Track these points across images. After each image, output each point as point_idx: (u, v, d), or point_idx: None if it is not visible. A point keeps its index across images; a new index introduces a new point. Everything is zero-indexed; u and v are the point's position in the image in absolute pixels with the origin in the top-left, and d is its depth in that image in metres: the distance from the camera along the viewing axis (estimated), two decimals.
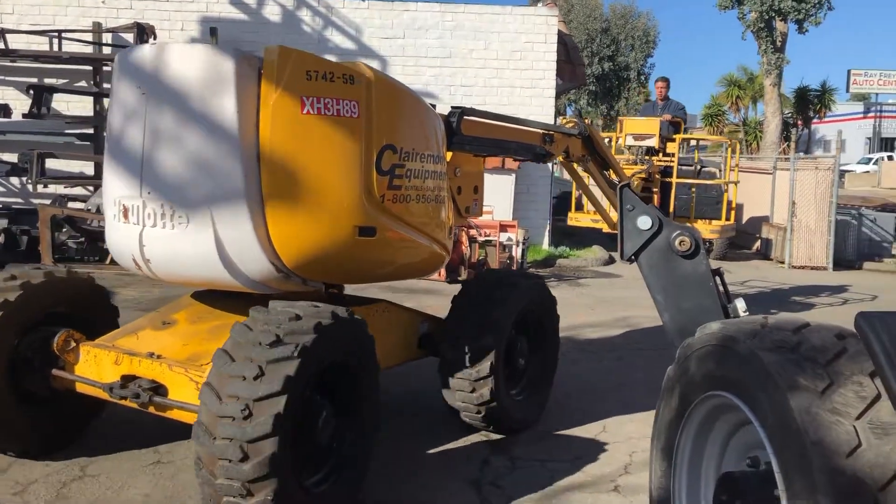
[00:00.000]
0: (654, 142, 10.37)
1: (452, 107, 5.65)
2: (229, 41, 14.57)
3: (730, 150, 11.26)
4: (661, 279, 4.64)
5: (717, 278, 4.98)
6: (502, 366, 5.52)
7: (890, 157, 49.12)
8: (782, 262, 17.43)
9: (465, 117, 5.61)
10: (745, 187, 17.63)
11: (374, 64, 13.70)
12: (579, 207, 13.23)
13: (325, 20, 16.42)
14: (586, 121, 7.25)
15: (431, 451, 5.57)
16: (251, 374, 3.72)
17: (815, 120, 32.58)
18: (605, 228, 9.70)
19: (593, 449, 5.66)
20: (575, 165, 7.43)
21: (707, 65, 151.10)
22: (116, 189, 4.79)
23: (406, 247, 5.07)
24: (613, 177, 7.64)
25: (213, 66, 4.47)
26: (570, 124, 7.05)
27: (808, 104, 31.70)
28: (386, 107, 4.79)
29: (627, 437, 5.88)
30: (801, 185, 17.07)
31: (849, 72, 33.59)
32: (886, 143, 57.73)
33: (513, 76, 16.64)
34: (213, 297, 5.39)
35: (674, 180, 10.18)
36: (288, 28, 16.07)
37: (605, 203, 8.14)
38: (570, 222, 12.91)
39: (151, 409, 4.57)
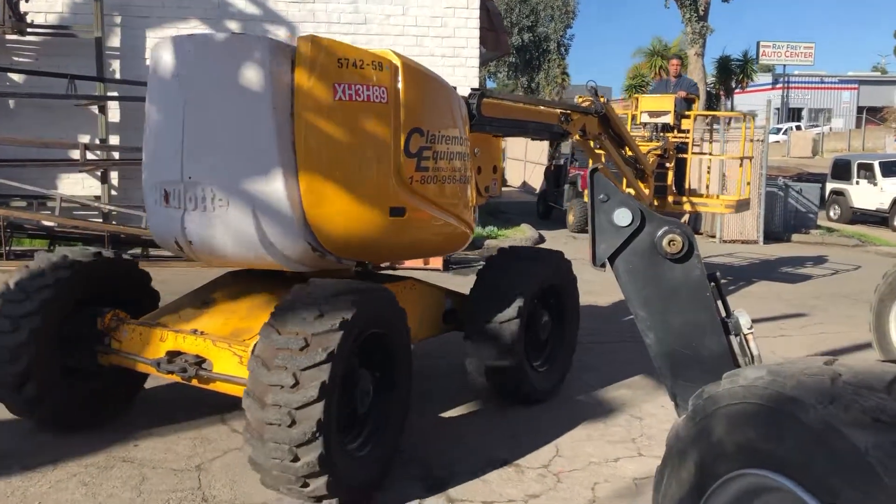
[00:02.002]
0: (669, 118, 10.53)
1: (472, 89, 5.89)
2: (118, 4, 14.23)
3: (744, 124, 11.44)
4: (643, 289, 3.57)
5: (713, 285, 3.86)
6: (524, 338, 5.76)
7: (798, 127, 49.94)
8: (713, 237, 17.53)
9: (485, 99, 5.86)
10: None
11: (281, 30, 14.08)
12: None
13: None
14: (601, 99, 7.47)
15: None
16: (297, 346, 3.98)
17: (737, 90, 32.22)
18: None
19: (547, 482, 4.94)
20: (591, 143, 7.67)
21: (626, 36, 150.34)
22: (157, 174, 5.04)
23: (433, 225, 5.32)
24: (629, 153, 7.89)
25: (249, 55, 4.70)
26: (587, 103, 7.27)
27: (731, 74, 31.15)
28: (413, 92, 5.02)
29: (587, 462, 5.22)
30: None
31: (758, 43, 33.57)
32: (794, 114, 58.86)
33: (434, 44, 15.62)
34: (247, 276, 5.67)
35: (689, 156, 10.36)
36: None
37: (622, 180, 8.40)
38: (585, 199, 13.03)
39: (194, 383, 4.83)
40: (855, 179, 22.66)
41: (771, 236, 17.60)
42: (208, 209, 4.82)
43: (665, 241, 3.50)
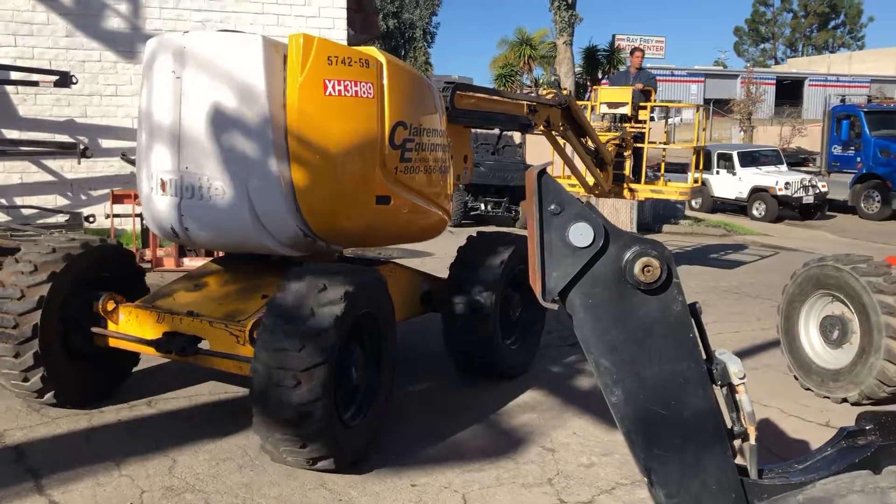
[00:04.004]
0: (627, 109, 10.90)
1: (446, 82, 6.26)
2: None
3: (698, 115, 11.93)
4: (608, 330, 2.73)
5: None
6: (498, 317, 6.13)
7: (651, 119, 50.76)
8: None
9: (458, 92, 6.26)
10: (540, 152, 17.25)
11: (123, 7, 13.28)
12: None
13: None
14: (564, 91, 7.86)
15: None
16: (305, 313, 4.34)
17: (603, 81, 32.42)
18: (582, 192, 10.29)
19: None
20: (553, 133, 8.08)
21: (492, 25, 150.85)
22: (153, 165, 5.33)
23: (416, 213, 5.67)
24: (590, 143, 8.32)
25: (244, 52, 5.03)
26: (551, 95, 7.68)
27: (598, 65, 30.99)
28: (397, 87, 5.36)
29: None
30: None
31: (613, 36, 34.00)
32: None
33: (297, 24, 14.20)
34: (234, 261, 6.00)
35: (646, 146, 10.81)
36: None
37: (581, 168, 8.81)
38: None
39: (191, 360, 5.19)
40: (715, 170, 22.82)
41: (642, 227, 17.38)
42: (204, 198, 5.13)
43: (638, 267, 2.64)
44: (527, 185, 2.77)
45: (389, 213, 5.40)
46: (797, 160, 29.16)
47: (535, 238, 2.67)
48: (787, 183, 20.56)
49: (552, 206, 2.65)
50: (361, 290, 4.68)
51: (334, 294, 4.43)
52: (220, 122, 5.07)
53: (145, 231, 10.33)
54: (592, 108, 11.31)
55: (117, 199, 10.40)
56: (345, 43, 13.72)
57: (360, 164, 5.23)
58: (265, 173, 5.01)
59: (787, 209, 20.95)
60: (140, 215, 9.58)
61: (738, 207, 22.42)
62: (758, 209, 21.23)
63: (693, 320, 2.75)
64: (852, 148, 21.79)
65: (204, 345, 5.22)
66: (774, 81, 55.60)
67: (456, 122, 6.39)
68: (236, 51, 5.08)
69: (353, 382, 4.82)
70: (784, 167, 22.65)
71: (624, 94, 11.03)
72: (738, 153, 22.72)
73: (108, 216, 10.43)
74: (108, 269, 5.68)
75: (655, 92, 12.29)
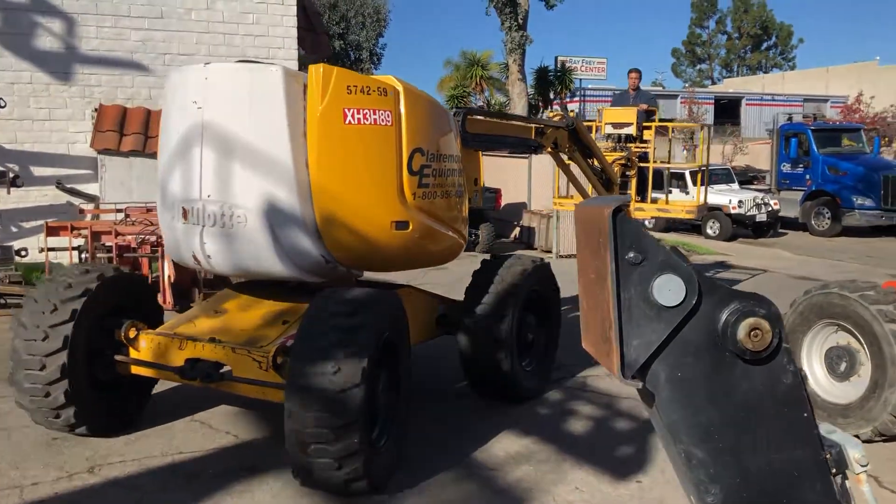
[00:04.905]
0: (632, 129, 11.01)
1: (457, 107, 6.39)
2: None
3: (702, 133, 12.15)
4: (701, 411, 2.21)
5: None
6: (515, 340, 6.24)
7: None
8: (549, 251, 16.50)
9: (469, 116, 6.38)
10: (500, 173, 17.17)
11: (56, 24, 12.49)
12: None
13: None
14: (571, 114, 8.05)
15: None
16: (336, 337, 4.46)
17: (555, 101, 32.60)
18: None
19: None
20: (561, 154, 8.27)
21: (439, 46, 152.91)
22: (175, 194, 5.38)
23: (433, 237, 5.77)
24: (596, 164, 8.50)
25: (264, 82, 5.13)
26: (558, 117, 7.86)
27: (549, 85, 31.17)
28: (414, 114, 5.47)
29: None
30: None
31: (556, 58, 34.57)
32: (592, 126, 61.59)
33: (245, 44, 13.63)
34: (253, 287, 6.06)
35: (650, 165, 10.97)
36: None
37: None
38: (554, 207, 13.50)
39: (213, 386, 5.24)
40: (667, 188, 23.11)
41: None
42: (226, 225, 5.20)
43: (743, 331, 2.11)
44: (582, 223, 2.31)
45: (407, 238, 5.50)
46: (746, 178, 29.74)
47: (611, 295, 2.10)
48: (740, 201, 20.93)
49: (631, 255, 2.11)
50: (387, 315, 4.83)
51: (364, 318, 4.56)
52: (242, 151, 5.16)
53: None
54: (597, 129, 11.45)
55: (52, 231, 9.39)
56: (295, 62, 13.95)
57: (380, 190, 5.34)
58: (286, 201, 5.09)
59: (740, 227, 21.29)
60: (78, 248, 9.41)
61: (691, 226, 22.56)
62: (712, 228, 21.45)
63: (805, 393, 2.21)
64: (801, 165, 22.28)
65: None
66: (713, 101, 56.86)
67: (467, 146, 6.51)
68: (257, 81, 5.18)
69: (378, 405, 4.88)
70: (736, 185, 23.03)
71: (629, 114, 11.18)
72: (691, 172, 23.04)
73: (42, 250, 9.50)
74: (125, 297, 5.73)
75: (658, 111, 12.50)
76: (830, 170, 21.58)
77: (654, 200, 11.56)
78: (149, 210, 9.76)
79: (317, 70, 5.15)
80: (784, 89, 61.04)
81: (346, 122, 5.16)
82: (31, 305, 5.34)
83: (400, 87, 5.43)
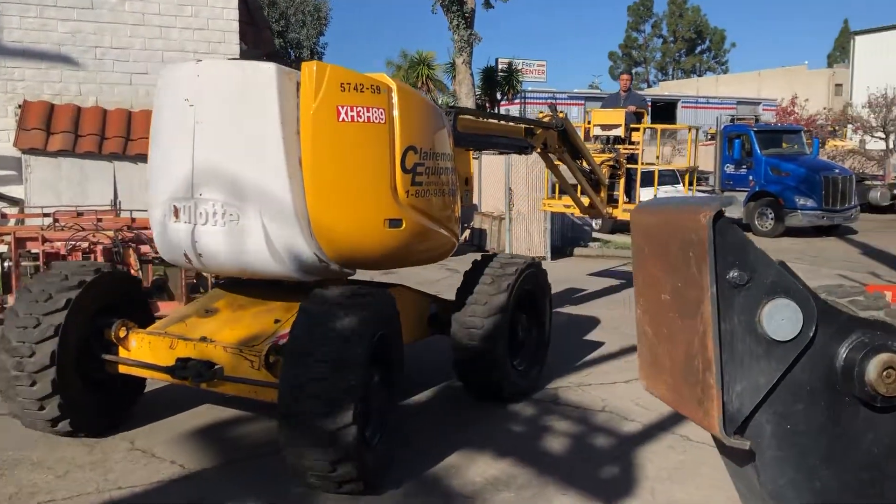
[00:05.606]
0: (620, 131, 11.14)
1: (448, 106, 6.39)
2: None
3: (690, 134, 12.32)
4: (817, 472, 1.70)
5: None
6: (506, 340, 6.27)
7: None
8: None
9: (460, 116, 6.40)
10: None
11: None
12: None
13: None
14: (560, 115, 8.10)
15: None
16: (331, 336, 4.46)
17: (502, 102, 32.69)
18: (577, 213, 10.30)
19: None
20: (551, 155, 8.32)
21: (383, 46, 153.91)
22: (166, 191, 5.31)
23: (426, 235, 5.75)
24: (585, 165, 8.57)
25: (257, 80, 5.08)
26: (547, 118, 7.91)
27: (497, 85, 31.40)
28: (406, 112, 5.45)
29: None
30: (513, 171, 16.14)
31: (497, 60, 34.84)
32: None
33: (183, 38, 12.99)
34: (244, 286, 6.01)
35: (639, 167, 11.05)
36: None
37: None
38: (543, 208, 13.44)
39: (203, 386, 5.18)
40: (656, 189, 23.41)
41: (554, 251, 16.59)
42: (218, 224, 5.15)
43: (874, 371, 1.67)
44: (651, 229, 1.91)
45: (401, 236, 5.47)
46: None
47: (710, 326, 1.63)
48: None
49: (734, 274, 1.65)
50: (380, 313, 4.84)
51: (357, 317, 4.55)
52: (235, 149, 5.13)
53: (6, 275, 8.82)
54: (586, 131, 11.53)
55: None
56: (237, 57, 13.05)
57: (373, 188, 5.31)
58: (279, 200, 5.05)
59: None
60: (0, 255, 8.95)
61: None
62: None
63: None
64: (744, 167, 22.67)
65: None
66: (650, 103, 58.08)
67: (458, 146, 6.50)
68: (250, 78, 5.13)
69: (371, 404, 4.86)
70: (681, 187, 23.30)
71: (617, 116, 11.30)
72: (679, 172, 23.22)
73: None
74: (118, 295, 5.67)
75: (647, 113, 12.62)
76: (773, 171, 21.95)
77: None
78: (79, 214, 9.40)
79: (310, 67, 5.11)
80: (718, 92, 62.38)
81: (340, 119, 5.12)
82: (25, 294, 5.31)
83: (393, 85, 5.41)
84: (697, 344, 1.63)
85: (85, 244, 8.08)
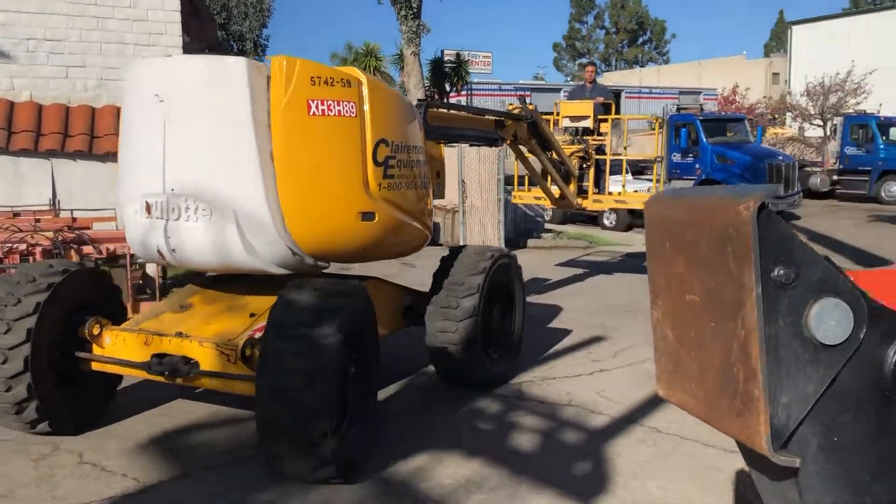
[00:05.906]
0: (588, 122, 11.26)
1: (419, 100, 6.43)
2: None
3: (657, 125, 12.43)
4: (867, 489, 1.53)
5: None
6: (480, 329, 6.33)
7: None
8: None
9: (430, 109, 6.43)
10: None
11: None
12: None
13: None
14: (530, 107, 8.16)
15: None
16: (307, 329, 4.49)
17: (452, 93, 32.77)
18: (548, 205, 10.33)
19: None
20: (521, 147, 8.40)
21: (327, 39, 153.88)
22: (137, 187, 5.28)
23: (399, 228, 5.78)
24: (555, 157, 8.65)
25: (227, 74, 5.08)
26: (517, 110, 7.97)
27: (445, 76, 31.43)
28: (378, 105, 5.47)
29: None
30: (465, 163, 16.10)
31: (442, 52, 34.82)
32: None
33: (122, 29, 12.21)
34: (218, 281, 6.02)
35: (608, 157, 11.23)
36: None
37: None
38: (514, 200, 13.55)
39: (179, 381, 5.16)
40: (624, 179, 23.65)
41: (507, 243, 16.39)
42: (191, 219, 5.14)
43: None
44: (674, 223, 1.72)
45: (374, 229, 5.50)
46: (637, 168, 30.66)
47: (756, 331, 1.48)
48: (635, 191, 21.54)
49: (779, 271, 1.51)
50: (354, 306, 4.88)
51: (332, 310, 4.60)
52: (206, 143, 5.13)
53: None
54: (555, 122, 11.59)
55: None
56: (179, 50, 12.53)
57: (345, 181, 5.33)
58: (251, 194, 5.05)
59: (636, 217, 21.68)
60: None
61: (588, 218, 22.52)
62: (609, 218, 21.64)
63: None
64: (691, 155, 23.02)
65: None
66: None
67: (429, 138, 6.54)
68: (220, 73, 5.14)
69: (347, 395, 4.88)
70: (630, 176, 23.66)
71: (585, 107, 11.41)
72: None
73: None
74: (88, 293, 5.61)
75: (613, 104, 12.72)
76: (719, 159, 22.34)
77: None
78: (16, 215, 9.08)
79: (280, 61, 5.11)
80: (660, 82, 63.04)
81: (311, 113, 5.13)
82: None
83: (363, 79, 5.43)
84: (737, 350, 1.49)
85: (23, 246, 7.73)
